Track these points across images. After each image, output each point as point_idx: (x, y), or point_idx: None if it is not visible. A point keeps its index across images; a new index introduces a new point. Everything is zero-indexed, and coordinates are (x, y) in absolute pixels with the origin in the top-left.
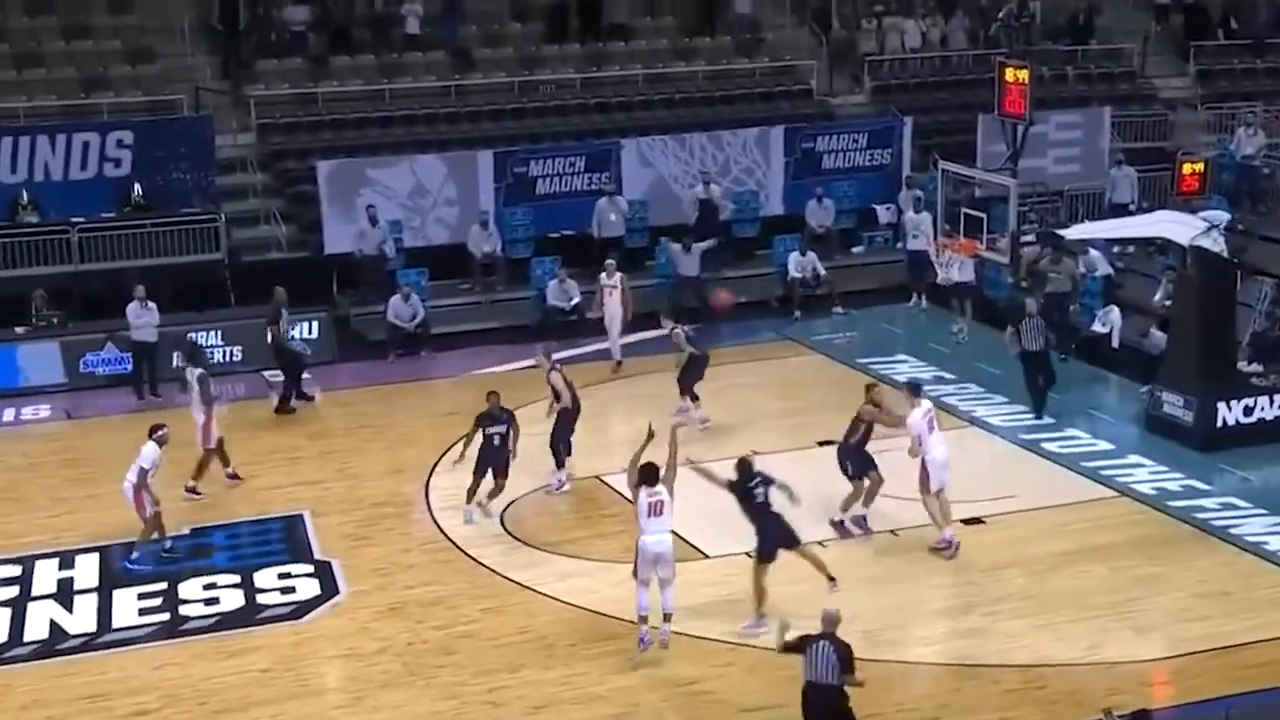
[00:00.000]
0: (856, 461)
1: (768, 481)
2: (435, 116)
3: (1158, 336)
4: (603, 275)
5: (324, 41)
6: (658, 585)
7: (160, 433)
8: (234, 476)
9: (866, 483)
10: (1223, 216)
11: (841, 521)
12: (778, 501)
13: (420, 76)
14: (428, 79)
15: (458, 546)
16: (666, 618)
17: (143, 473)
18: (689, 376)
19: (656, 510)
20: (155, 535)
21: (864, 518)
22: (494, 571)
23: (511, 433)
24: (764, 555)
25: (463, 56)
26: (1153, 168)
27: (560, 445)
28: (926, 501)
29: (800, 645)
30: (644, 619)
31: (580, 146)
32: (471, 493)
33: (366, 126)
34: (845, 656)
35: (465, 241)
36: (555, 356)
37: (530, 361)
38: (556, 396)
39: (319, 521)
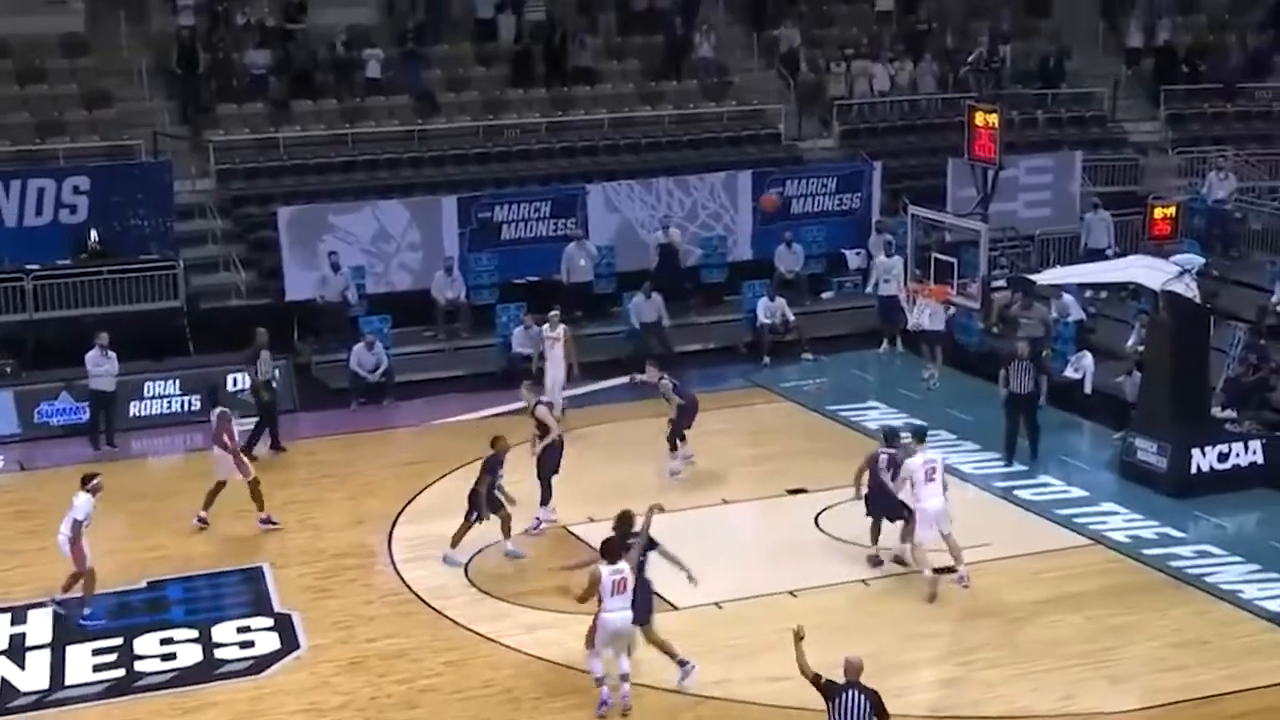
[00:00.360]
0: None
1: (649, 545)
2: (398, 161)
3: (1132, 382)
4: (545, 326)
5: (285, 85)
6: (612, 654)
7: (93, 482)
8: (203, 521)
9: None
10: (1197, 260)
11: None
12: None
13: (383, 121)
14: (391, 123)
15: (420, 598)
16: (624, 678)
17: (76, 524)
18: (679, 426)
19: (619, 588)
20: (83, 591)
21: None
22: (457, 623)
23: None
24: (638, 619)
25: (426, 100)
26: (1124, 212)
27: (549, 479)
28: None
29: (827, 690)
30: (600, 681)
31: (546, 191)
32: (457, 539)
33: (328, 171)
34: (878, 705)
35: (429, 288)
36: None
37: (500, 409)
38: (544, 431)
39: (279, 573)
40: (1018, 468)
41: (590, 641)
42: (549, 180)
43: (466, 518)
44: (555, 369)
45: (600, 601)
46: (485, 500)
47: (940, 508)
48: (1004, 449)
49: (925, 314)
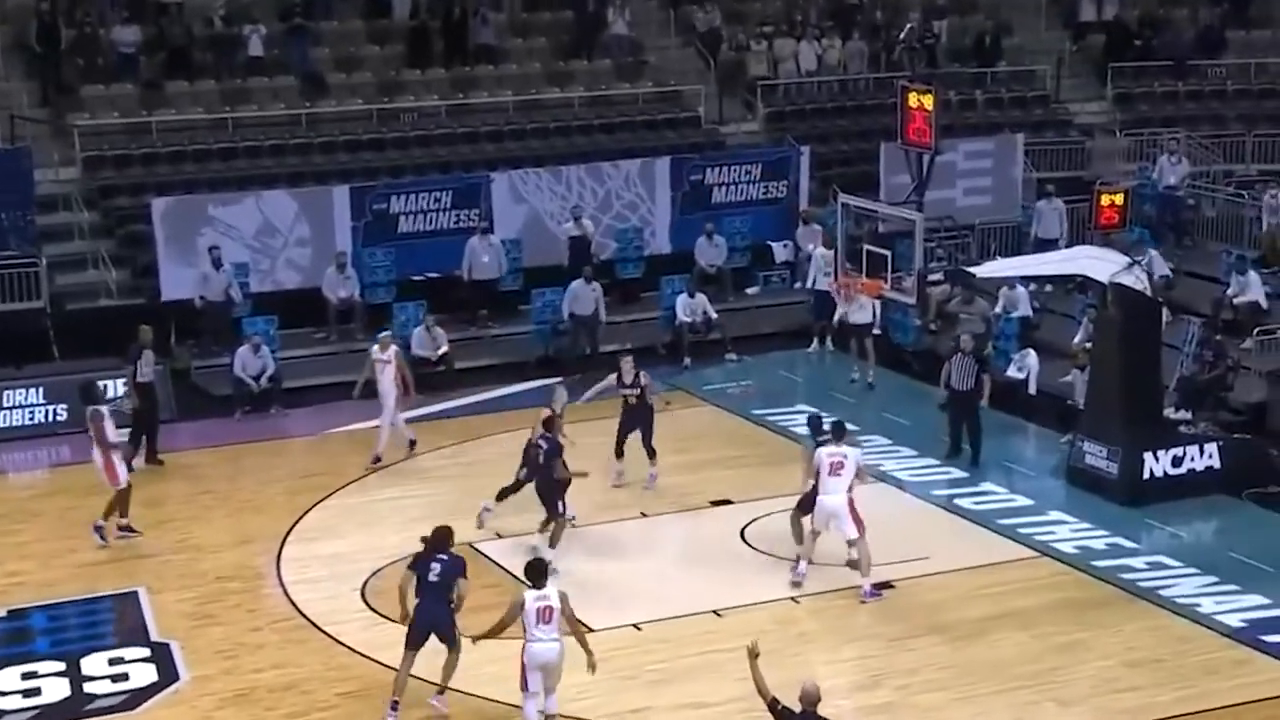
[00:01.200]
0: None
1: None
2: (284, 148)
3: (1081, 380)
4: (374, 348)
5: (157, 65)
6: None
7: None
8: (128, 529)
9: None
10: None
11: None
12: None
13: (267, 104)
14: (275, 106)
15: (313, 624)
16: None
17: None
18: (646, 432)
19: (545, 616)
20: None
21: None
22: (354, 651)
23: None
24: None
25: (314, 82)
26: (1070, 199)
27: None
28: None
29: (782, 716)
30: None
31: (446, 180)
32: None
33: (207, 159)
34: None
35: (319, 286)
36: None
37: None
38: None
39: (156, 599)
40: (958, 474)
41: (524, 683)
42: (450, 168)
43: (551, 514)
44: (388, 395)
45: (525, 631)
46: (558, 488)
47: (833, 507)
48: (949, 447)
49: (855, 309)
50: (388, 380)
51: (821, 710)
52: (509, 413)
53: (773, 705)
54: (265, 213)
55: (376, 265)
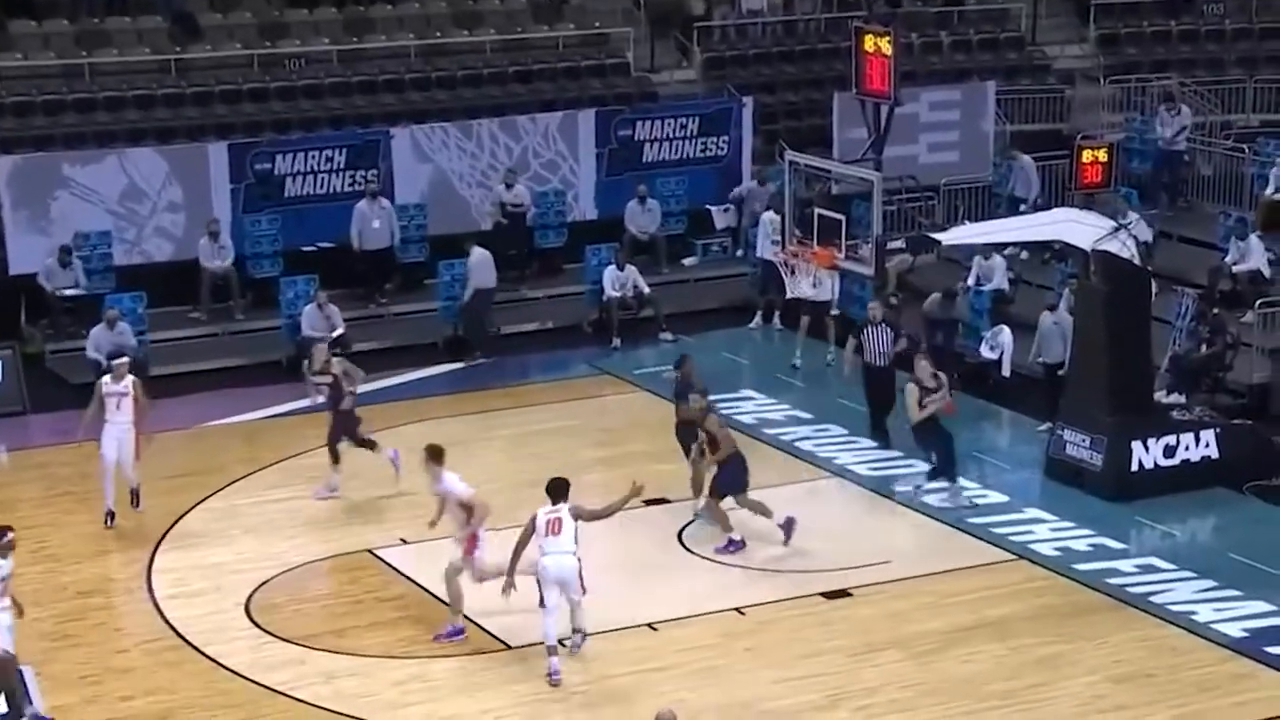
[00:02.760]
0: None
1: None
2: (151, 99)
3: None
4: (106, 379)
5: None
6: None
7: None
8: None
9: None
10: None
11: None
12: None
13: (130, 48)
14: (140, 51)
15: (190, 644)
16: (578, 632)
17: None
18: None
19: (554, 529)
20: None
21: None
22: (237, 674)
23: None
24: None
25: (186, 24)
26: (1047, 155)
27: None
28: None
29: None
30: (553, 650)
31: (339, 137)
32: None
33: (60, 112)
34: None
35: (196, 257)
36: None
37: (287, 407)
38: (713, 445)
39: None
40: (923, 467)
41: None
42: (343, 123)
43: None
44: (121, 432)
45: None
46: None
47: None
48: (870, 426)
49: (806, 282)
50: (124, 415)
51: None
52: (415, 401)
53: None
54: (130, 174)
55: (260, 234)
